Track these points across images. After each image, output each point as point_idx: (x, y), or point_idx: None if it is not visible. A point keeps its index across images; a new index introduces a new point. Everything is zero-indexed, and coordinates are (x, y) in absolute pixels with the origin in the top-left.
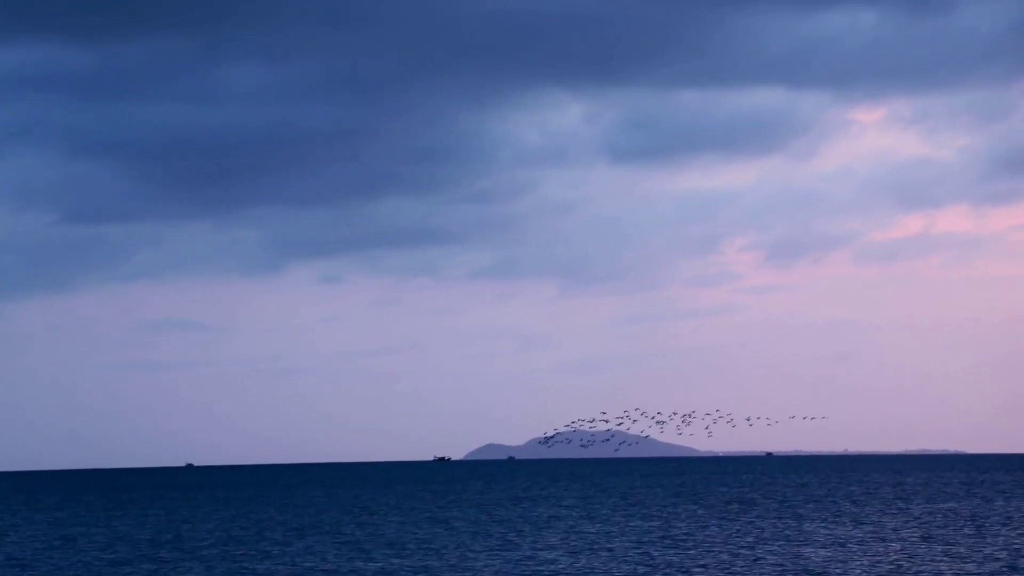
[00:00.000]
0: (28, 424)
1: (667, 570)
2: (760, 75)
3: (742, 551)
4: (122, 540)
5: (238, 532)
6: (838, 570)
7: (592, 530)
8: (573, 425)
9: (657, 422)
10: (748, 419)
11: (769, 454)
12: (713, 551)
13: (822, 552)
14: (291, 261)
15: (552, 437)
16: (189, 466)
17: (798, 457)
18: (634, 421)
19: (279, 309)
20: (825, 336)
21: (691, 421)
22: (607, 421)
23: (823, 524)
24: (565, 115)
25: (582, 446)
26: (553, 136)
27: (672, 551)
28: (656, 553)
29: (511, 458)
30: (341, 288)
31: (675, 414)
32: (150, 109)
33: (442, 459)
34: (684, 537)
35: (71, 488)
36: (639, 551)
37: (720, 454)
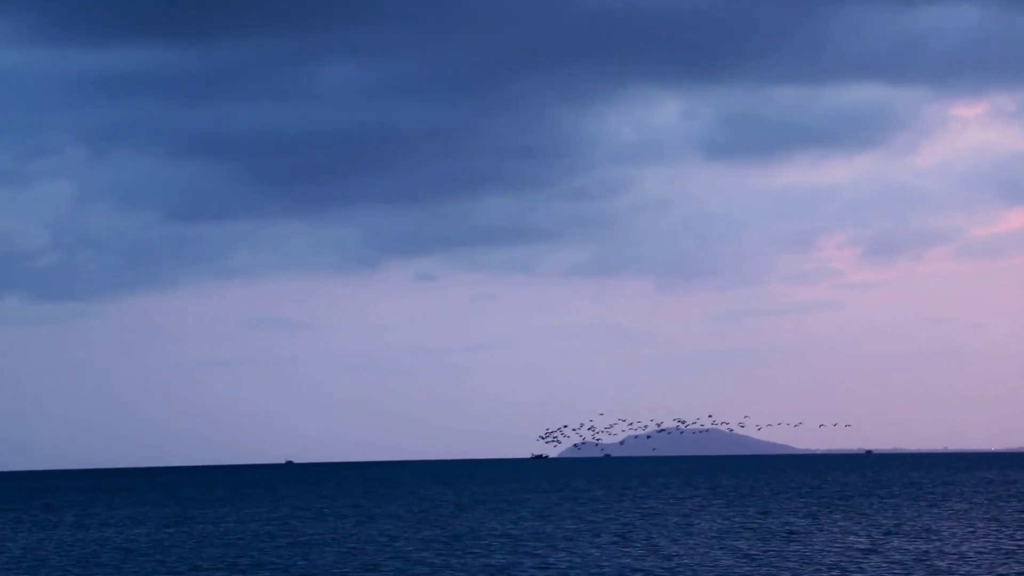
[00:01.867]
0: (129, 421)
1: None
2: (859, 71)
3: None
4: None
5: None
6: None
7: (799, 526)
8: (577, 427)
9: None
10: (681, 430)
11: (869, 452)
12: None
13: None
14: (387, 259)
15: (554, 435)
16: (289, 463)
17: (898, 454)
18: (611, 426)
19: (375, 306)
20: (925, 333)
21: (683, 430)
22: (592, 428)
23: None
24: (662, 112)
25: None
26: (650, 133)
27: (907, 546)
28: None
29: (607, 456)
30: (437, 285)
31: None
32: (249, 109)
33: (540, 456)
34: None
35: (198, 483)
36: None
37: (818, 452)
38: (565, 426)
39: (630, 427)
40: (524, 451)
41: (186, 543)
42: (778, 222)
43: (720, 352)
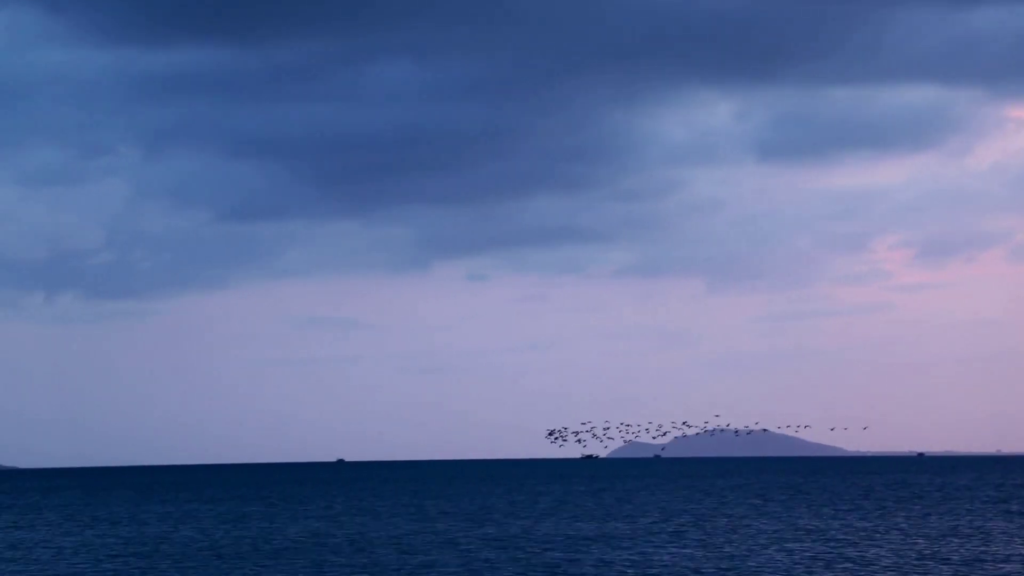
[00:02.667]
0: (181, 419)
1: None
2: (914, 72)
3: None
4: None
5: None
6: None
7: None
8: (585, 425)
9: (627, 433)
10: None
11: (921, 454)
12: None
13: None
14: (438, 259)
15: (557, 435)
16: (340, 461)
17: (951, 457)
18: (603, 431)
19: (426, 306)
20: (977, 335)
21: (666, 432)
22: (584, 430)
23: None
24: (713, 113)
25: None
26: (701, 134)
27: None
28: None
29: (657, 456)
30: (487, 285)
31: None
32: (303, 109)
33: (590, 457)
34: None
35: (251, 481)
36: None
37: (869, 454)
38: (565, 428)
39: (658, 429)
40: (575, 451)
41: (243, 541)
42: (830, 223)
43: (770, 354)
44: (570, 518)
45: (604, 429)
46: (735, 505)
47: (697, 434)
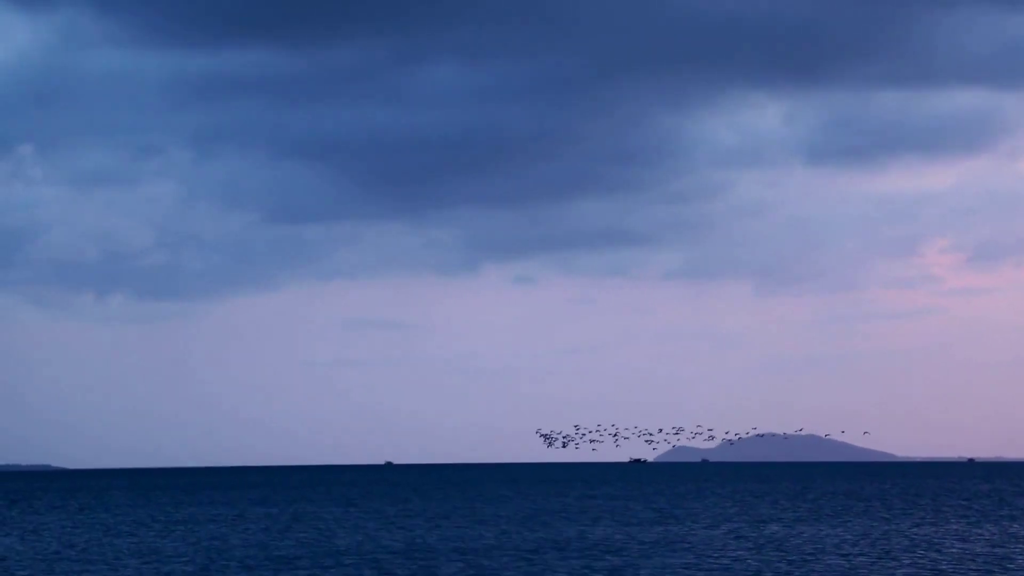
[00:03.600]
0: (229, 420)
1: None
2: (963, 75)
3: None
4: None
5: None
6: None
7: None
8: (587, 428)
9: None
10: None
11: (971, 460)
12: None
13: None
14: (486, 261)
15: (553, 438)
16: (388, 464)
17: (1000, 463)
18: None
19: (474, 308)
20: None
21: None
22: (579, 433)
23: None
24: (762, 116)
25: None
26: (750, 137)
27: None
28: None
29: (704, 461)
30: (535, 288)
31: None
32: (352, 111)
33: (638, 460)
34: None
35: (298, 483)
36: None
37: (918, 459)
38: (558, 431)
39: (674, 435)
40: (623, 455)
41: (296, 544)
42: (880, 227)
43: (818, 357)
44: (623, 522)
45: (594, 432)
46: (791, 510)
47: (763, 436)
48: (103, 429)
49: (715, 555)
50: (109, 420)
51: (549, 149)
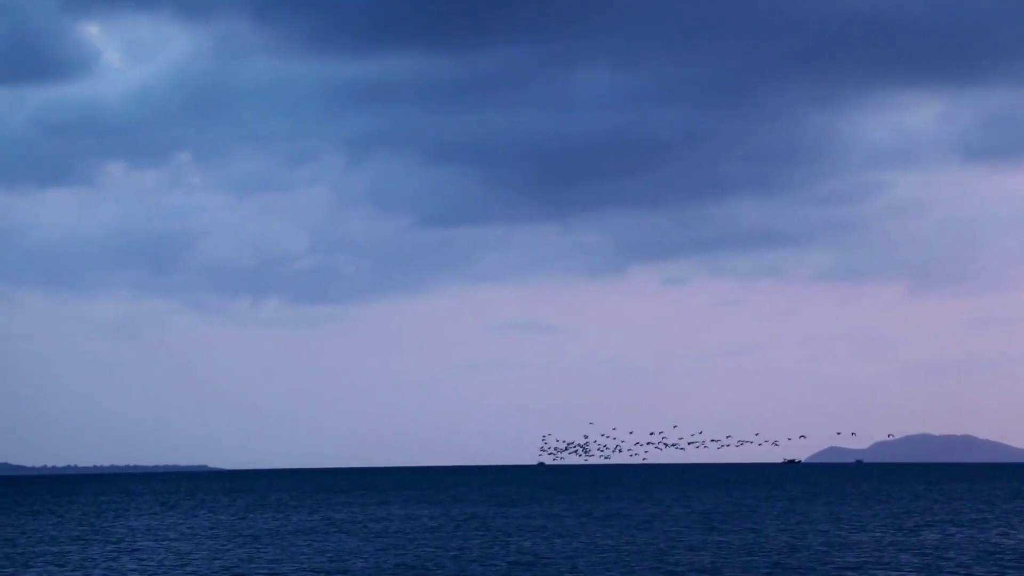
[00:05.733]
0: (381, 422)
1: None
2: None
3: None
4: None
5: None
6: None
7: None
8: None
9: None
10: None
11: None
12: None
13: None
14: (635, 263)
15: (558, 449)
16: (541, 464)
17: None
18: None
19: (623, 310)
20: None
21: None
22: (585, 440)
23: None
24: (916, 115)
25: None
26: (904, 136)
27: None
28: None
29: (859, 462)
30: (684, 290)
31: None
32: (502, 115)
33: (791, 462)
34: None
35: (453, 483)
36: None
37: None
38: (546, 437)
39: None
40: (775, 456)
41: (473, 547)
42: None
43: (974, 358)
44: (797, 520)
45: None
46: (966, 512)
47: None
48: (258, 431)
49: (904, 559)
50: (264, 422)
51: (699, 151)
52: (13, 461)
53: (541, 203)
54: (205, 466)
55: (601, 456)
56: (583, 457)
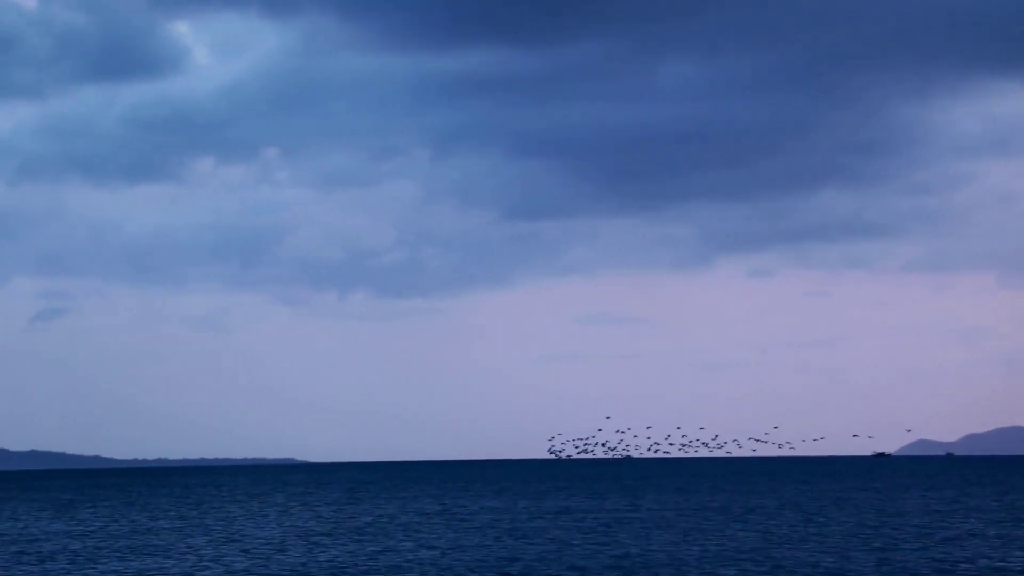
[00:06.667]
0: (467, 414)
1: None
2: None
3: None
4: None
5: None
6: None
7: None
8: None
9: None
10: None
11: None
12: None
13: None
14: (721, 255)
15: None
16: (628, 458)
17: None
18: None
19: (709, 302)
20: None
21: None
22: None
23: None
24: (1010, 104)
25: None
26: (995, 125)
27: None
28: None
29: (949, 455)
30: (771, 281)
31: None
32: (587, 108)
33: (881, 455)
34: None
35: (543, 476)
36: None
37: None
38: (552, 438)
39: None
40: (865, 448)
41: (577, 536)
42: None
43: None
44: (892, 512)
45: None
46: None
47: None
48: (344, 424)
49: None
50: (350, 415)
51: (785, 141)
52: (105, 454)
53: (626, 195)
54: (292, 459)
55: (682, 451)
56: (674, 450)
